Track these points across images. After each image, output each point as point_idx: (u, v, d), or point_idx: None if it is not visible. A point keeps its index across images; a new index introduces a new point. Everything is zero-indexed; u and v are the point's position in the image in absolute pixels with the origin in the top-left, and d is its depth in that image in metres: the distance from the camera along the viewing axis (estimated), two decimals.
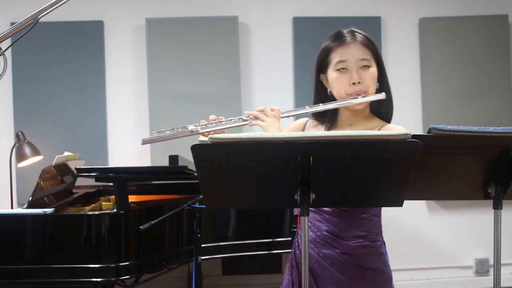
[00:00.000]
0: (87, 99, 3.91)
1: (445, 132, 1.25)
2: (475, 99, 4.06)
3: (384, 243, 1.66)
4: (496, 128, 1.27)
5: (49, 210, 2.55)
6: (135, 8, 4.00)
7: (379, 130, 1.60)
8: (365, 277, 1.58)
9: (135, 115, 4.01)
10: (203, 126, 1.61)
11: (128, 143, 3.98)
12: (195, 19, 3.94)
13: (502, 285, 1.39)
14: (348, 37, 1.61)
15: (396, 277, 4.83)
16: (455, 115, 4.02)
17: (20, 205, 3.66)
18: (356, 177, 1.26)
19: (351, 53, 1.59)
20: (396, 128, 1.58)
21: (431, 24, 4.07)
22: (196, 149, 1.20)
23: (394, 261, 4.77)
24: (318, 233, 1.61)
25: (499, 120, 3.95)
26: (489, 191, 1.36)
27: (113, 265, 2.53)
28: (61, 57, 3.88)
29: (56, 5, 1.40)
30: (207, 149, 1.20)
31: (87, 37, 3.91)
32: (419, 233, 4.17)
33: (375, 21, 4.06)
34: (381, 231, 1.64)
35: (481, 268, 4.16)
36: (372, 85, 1.60)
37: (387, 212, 4.52)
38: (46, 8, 1.40)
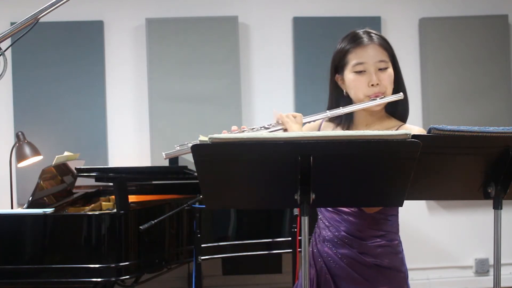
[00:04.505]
0: (87, 99, 3.91)
1: (445, 132, 1.25)
2: (475, 99, 4.05)
3: (401, 242, 1.66)
4: (496, 128, 1.27)
5: (49, 210, 2.55)
6: (135, 8, 4.00)
7: (397, 130, 1.59)
8: (382, 276, 1.59)
9: (135, 115, 4.01)
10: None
11: (128, 143, 3.98)
12: (195, 19, 3.93)
13: (502, 285, 1.39)
14: (366, 39, 1.60)
15: None
16: (455, 115, 4.02)
17: (20, 205, 3.66)
18: (356, 177, 1.26)
19: (369, 55, 1.58)
20: (413, 128, 1.57)
21: (431, 24, 4.07)
22: (196, 149, 1.20)
23: None
24: (336, 233, 1.62)
25: (499, 120, 3.95)
26: (489, 191, 1.36)
27: (113, 265, 2.53)
28: (61, 57, 3.88)
29: (56, 5, 1.40)
30: (207, 149, 1.20)
31: (87, 37, 3.91)
32: (419, 233, 4.16)
33: (375, 21, 4.05)
34: (398, 230, 1.65)
35: (481, 268, 4.16)
36: (390, 86, 1.60)
37: None
38: (46, 8, 1.40)
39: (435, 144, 1.27)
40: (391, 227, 1.62)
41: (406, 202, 1.29)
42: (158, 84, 3.91)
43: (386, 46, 1.61)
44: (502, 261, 1.38)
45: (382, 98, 1.58)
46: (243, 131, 1.54)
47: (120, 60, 3.99)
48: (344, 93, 1.65)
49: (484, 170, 1.34)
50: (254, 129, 1.58)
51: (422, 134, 1.24)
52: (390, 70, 1.60)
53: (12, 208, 3.46)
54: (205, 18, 3.94)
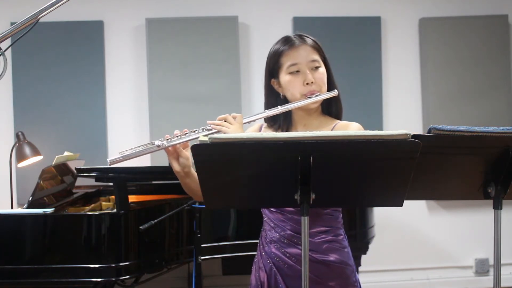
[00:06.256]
0: (87, 99, 3.91)
1: (445, 132, 1.25)
2: (475, 99, 4.05)
3: (346, 237, 1.70)
4: (496, 128, 1.28)
5: (49, 210, 2.55)
6: (135, 8, 4.00)
7: (333, 128, 1.66)
8: (331, 272, 1.61)
9: (135, 115, 4.01)
10: (169, 140, 1.61)
11: (128, 143, 3.94)
12: (195, 19, 3.93)
13: (502, 285, 1.40)
14: (297, 41, 1.66)
15: (396, 277, 4.83)
16: (455, 115, 4.02)
17: (20, 205, 3.66)
18: (356, 177, 1.27)
19: (301, 55, 1.64)
20: (351, 124, 1.64)
21: (431, 24, 4.07)
22: (196, 149, 1.20)
23: (394, 261, 4.79)
24: (282, 233, 1.64)
25: (499, 120, 3.95)
26: (489, 191, 1.36)
27: (113, 265, 2.53)
28: (61, 57, 3.88)
29: (56, 5, 1.40)
30: (207, 149, 1.20)
31: (87, 37, 3.91)
32: (419, 233, 4.16)
33: (375, 21, 4.06)
34: (342, 225, 1.69)
35: (481, 268, 4.16)
36: (324, 84, 1.67)
37: (387, 212, 4.48)
38: (46, 8, 1.40)
39: (435, 144, 1.27)
40: (335, 222, 1.65)
41: (406, 202, 1.29)
42: (158, 84, 3.91)
43: (317, 47, 1.68)
44: (502, 261, 1.38)
45: (317, 95, 1.63)
46: (186, 133, 1.60)
47: (120, 60, 3.99)
48: (281, 96, 1.70)
49: (484, 170, 1.34)
50: (196, 131, 1.62)
51: (422, 134, 1.24)
52: (323, 69, 1.67)
53: (12, 208, 3.46)
54: (205, 18, 3.94)
